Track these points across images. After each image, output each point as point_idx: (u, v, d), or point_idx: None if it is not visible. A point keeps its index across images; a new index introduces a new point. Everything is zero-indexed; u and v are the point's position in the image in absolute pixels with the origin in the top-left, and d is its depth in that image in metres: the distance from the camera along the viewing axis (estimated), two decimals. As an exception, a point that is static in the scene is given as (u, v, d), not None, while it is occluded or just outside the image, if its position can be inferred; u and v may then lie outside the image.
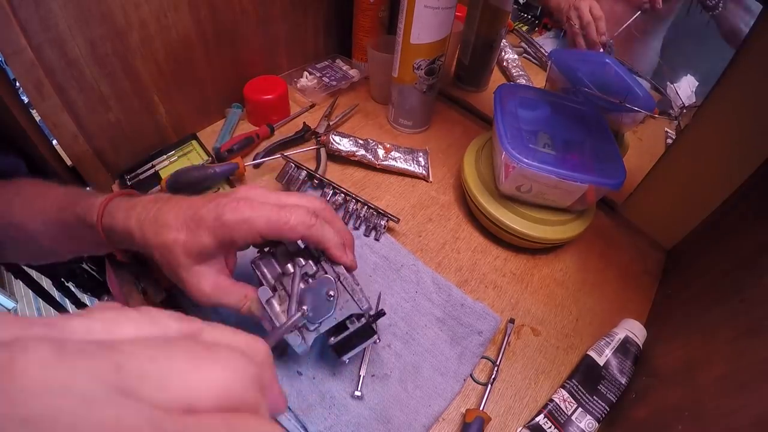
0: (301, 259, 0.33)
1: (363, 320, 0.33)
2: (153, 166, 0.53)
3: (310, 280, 0.33)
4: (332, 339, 0.33)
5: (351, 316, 0.33)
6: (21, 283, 0.65)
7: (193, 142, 0.57)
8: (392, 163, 0.57)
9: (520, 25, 0.72)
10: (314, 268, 0.33)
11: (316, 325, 0.32)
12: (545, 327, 0.45)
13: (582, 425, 0.36)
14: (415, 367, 0.39)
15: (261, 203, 0.30)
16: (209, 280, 0.31)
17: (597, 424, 0.37)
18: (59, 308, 0.58)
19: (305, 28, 0.67)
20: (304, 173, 0.51)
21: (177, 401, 0.12)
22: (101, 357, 0.12)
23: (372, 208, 0.50)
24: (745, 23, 0.40)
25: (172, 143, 0.56)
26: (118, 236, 0.32)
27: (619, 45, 0.55)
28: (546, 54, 0.69)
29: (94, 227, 0.32)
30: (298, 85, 0.67)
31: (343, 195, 0.50)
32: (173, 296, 0.41)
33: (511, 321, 0.44)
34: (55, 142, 0.46)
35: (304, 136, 0.60)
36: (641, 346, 0.41)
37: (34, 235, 0.34)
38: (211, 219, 0.29)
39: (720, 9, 0.44)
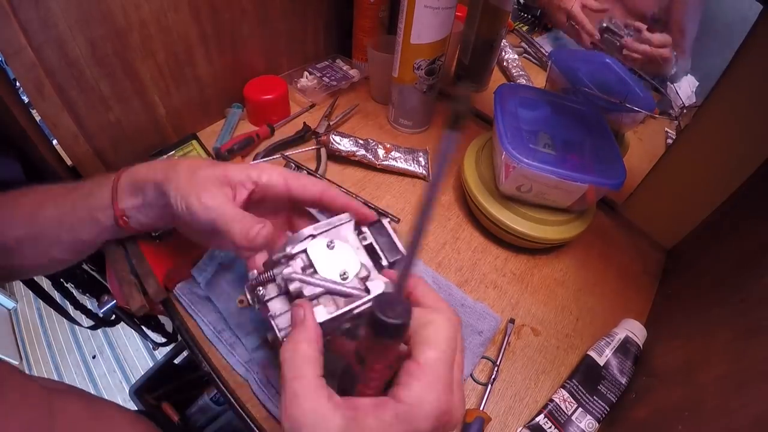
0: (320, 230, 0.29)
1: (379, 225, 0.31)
2: (153, 166, 0.53)
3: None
4: (385, 260, 0.29)
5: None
6: (21, 283, 0.65)
7: (194, 142, 0.57)
8: (392, 163, 0.57)
9: (520, 25, 0.72)
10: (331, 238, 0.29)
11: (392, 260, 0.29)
12: (545, 327, 0.45)
13: (582, 425, 0.37)
14: (416, 367, 0.39)
15: None
16: (218, 200, 0.30)
17: (597, 424, 0.37)
18: (59, 309, 0.58)
19: (305, 28, 0.67)
20: (304, 173, 0.51)
21: None
22: None
23: (372, 208, 0.50)
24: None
25: (173, 143, 0.56)
26: (139, 184, 0.33)
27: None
28: (546, 54, 0.69)
29: (108, 187, 0.34)
30: (298, 85, 0.67)
31: (343, 195, 0.50)
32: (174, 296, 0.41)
33: (512, 321, 0.44)
34: (55, 142, 0.46)
35: (304, 136, 0.60)
36: (641, 346, 0.41)
37: (42, 229, 0.34)
38: (242, 165, 0.33)
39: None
